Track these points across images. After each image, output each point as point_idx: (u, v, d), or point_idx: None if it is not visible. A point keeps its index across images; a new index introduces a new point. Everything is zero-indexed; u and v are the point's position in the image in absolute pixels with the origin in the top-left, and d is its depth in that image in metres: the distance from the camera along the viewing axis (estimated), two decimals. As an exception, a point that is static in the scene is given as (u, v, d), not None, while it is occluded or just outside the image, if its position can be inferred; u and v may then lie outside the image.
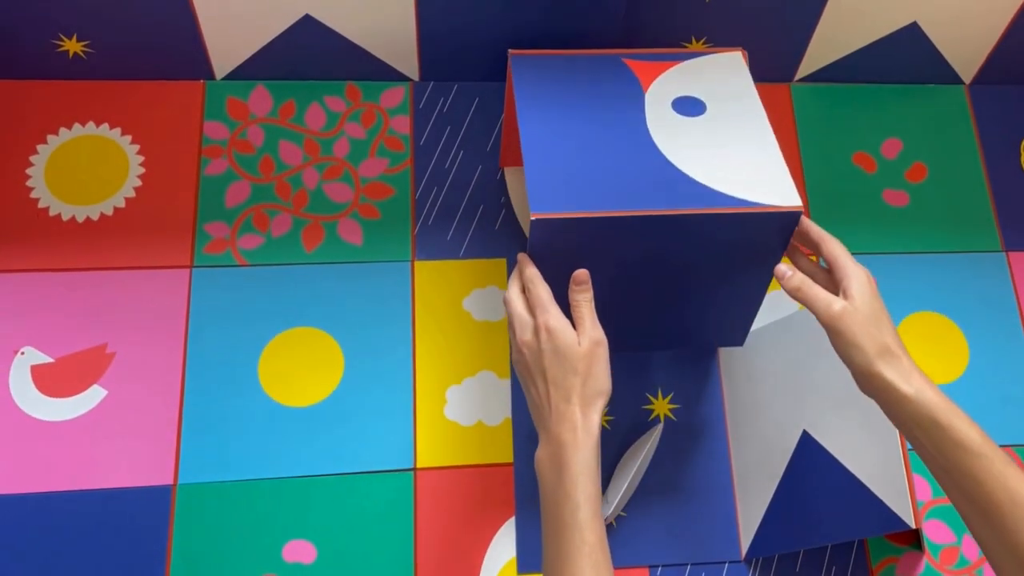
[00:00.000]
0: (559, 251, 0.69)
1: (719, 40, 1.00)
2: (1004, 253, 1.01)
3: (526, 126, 0.72)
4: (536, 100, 0.75)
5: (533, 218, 0.66)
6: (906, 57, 1.04)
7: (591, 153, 0.70)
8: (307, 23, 0.94)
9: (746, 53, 0.81)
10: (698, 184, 0.68)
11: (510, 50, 0.79)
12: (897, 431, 0.69)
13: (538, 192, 0.67)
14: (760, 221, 0.68)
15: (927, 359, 0.96)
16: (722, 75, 0.78)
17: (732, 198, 0.67)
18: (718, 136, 0.72)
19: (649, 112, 0.74)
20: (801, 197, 1.01)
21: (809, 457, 0.76)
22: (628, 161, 0.69)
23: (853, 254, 0.99)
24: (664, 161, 0.70)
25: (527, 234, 0.71)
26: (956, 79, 1.08)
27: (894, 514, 0.69)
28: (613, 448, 0.89)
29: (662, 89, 0.77)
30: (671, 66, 0.79)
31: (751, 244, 0.71)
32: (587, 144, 0.71)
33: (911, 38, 1.02)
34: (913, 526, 0.67)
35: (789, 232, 0.70)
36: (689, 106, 0.75)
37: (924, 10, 0.99)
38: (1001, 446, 0.91)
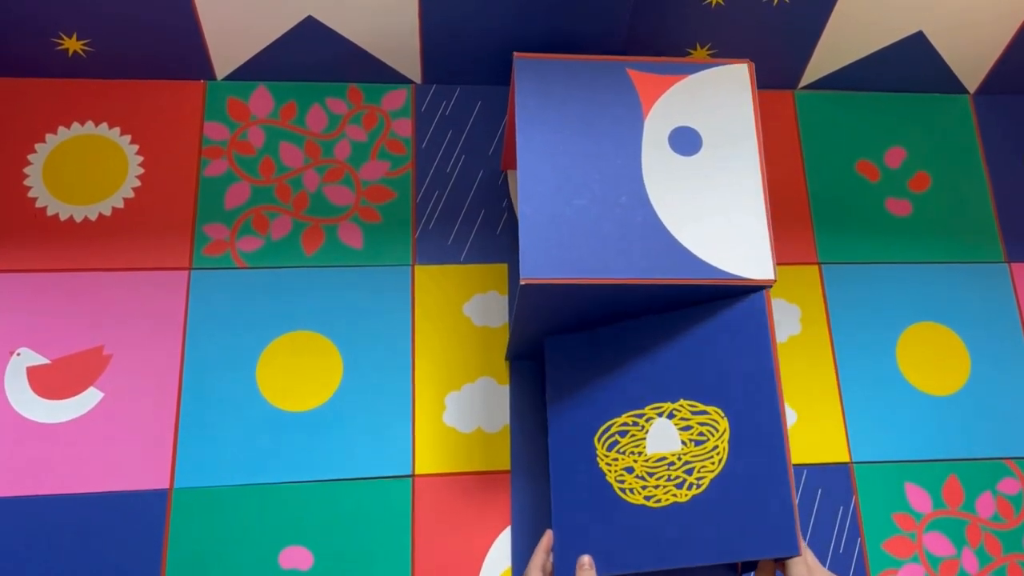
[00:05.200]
0: (545, 303, 0.76)
1: (724, 48, 0.99)
2: (1007, 264, 1.01)
3: (524, 154, 0.75)
4: (537, 121, 0.77)
5: (523, 283, 0.71)
6: (911, 66, 1.04)
7: (585, 201, 0.74)
8: (309, 24, 0.93)
9: (752, 65, 0.80)
10: (681, 249, 0.74)
11: (515, 53, 0.79)
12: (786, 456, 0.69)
13: (530, 254, 0.72)
14: (734, 289, 0.74)
15: (928, 371, 0.95)
16: (724, 98, 0.79)
17: (711, 267, 0.73)
18: (709, 187, 0.76)
19: (646, 147, 0.77)
20: (803, 204, 1.01)
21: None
22: (619, 217, 0.74)
23: (855, 263, 1.00)
24: (653, 217, 0.74)
25: None
26: (961, 89, 1.08)
27: (780, 535, 0.68)
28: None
29: (662, 116, 0.78)
30: (675, 82, 0.79)
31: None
32: (582, 185, 0.75)
33: (916, 47, 1.02)
34: (799, 553, 0.67)
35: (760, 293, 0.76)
36: (686, 141, 0.77)
37: (929, 19, 0.99)
38: (1002, 459, 0.92)
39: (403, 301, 0.93)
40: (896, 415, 0.93)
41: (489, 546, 0.85)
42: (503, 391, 0.91)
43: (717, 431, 0.73)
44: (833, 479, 0.90)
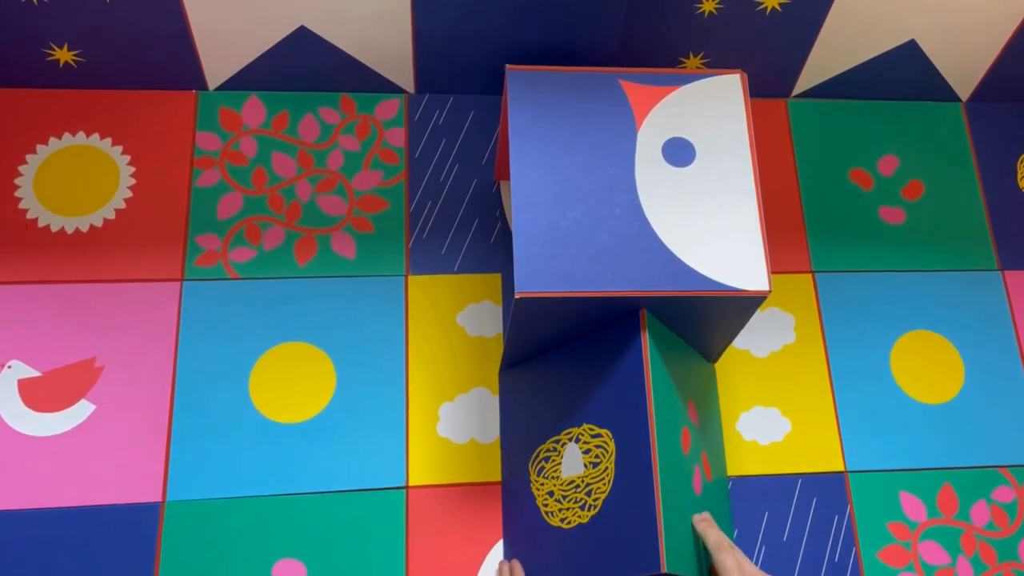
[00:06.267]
0: (540, 316, 0.76)
1: (717, 57, 0.99)
2: (1000, 272, 1.01)
3: (518, 167, 0.75)
4: (530, 133, 0.76)
5: (517, 296, 0.71)
6: (903, 74, 1.04)
7: (579, 213, 0.74)
8: (302, 34, 0.93)
9: (745, 76, 0.80)
10: (676, 260, 0.73)
11: (507, 65, 0.79)
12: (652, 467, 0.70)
13: (524, 268, 0.71)
14: (728, 301, 0.74)
15: (922, 379, 0.95)
16: (717, 108, 0.79)
17: (706, 279, 0.73)
18: (703, 198, 0.76)
19: (639, 159, 0.76)
20: (797, 213, 1.01)
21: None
22: (614, 229, 0.74)
23: (849, 271, 1.00)
24: (647, 229, 0.74)
25: None
26: (953, 96, 1.08)
27: (645, 552, 0.69)
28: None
29: (655, 127, 0.78)
30: (667, 93, 0.79)
31: (718, 311, 0.78)
32: (576, 198, 0.74)
33: (909, 55, 1.02)
34: (661, 570, 0.68)
35: (756, 306, 0.77)
36: (679, 153, 0.77)
37: (922, 28, 0.99)
38: (997, 467, 0.92)
39: (396, 311, 0.92)
40: (890, 424, 0.93)
41: (484, 557, 0.85)
42: (496, 401, 0.90)
43: (607, 452, 0.75)
44: (828, 488, 0.90)
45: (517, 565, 0.81)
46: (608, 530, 0.72)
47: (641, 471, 0.70)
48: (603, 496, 0.73)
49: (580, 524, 0.75)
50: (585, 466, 0.76)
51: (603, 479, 0.74)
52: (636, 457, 0.71)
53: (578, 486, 0.76)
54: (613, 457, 0.74)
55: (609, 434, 0.74)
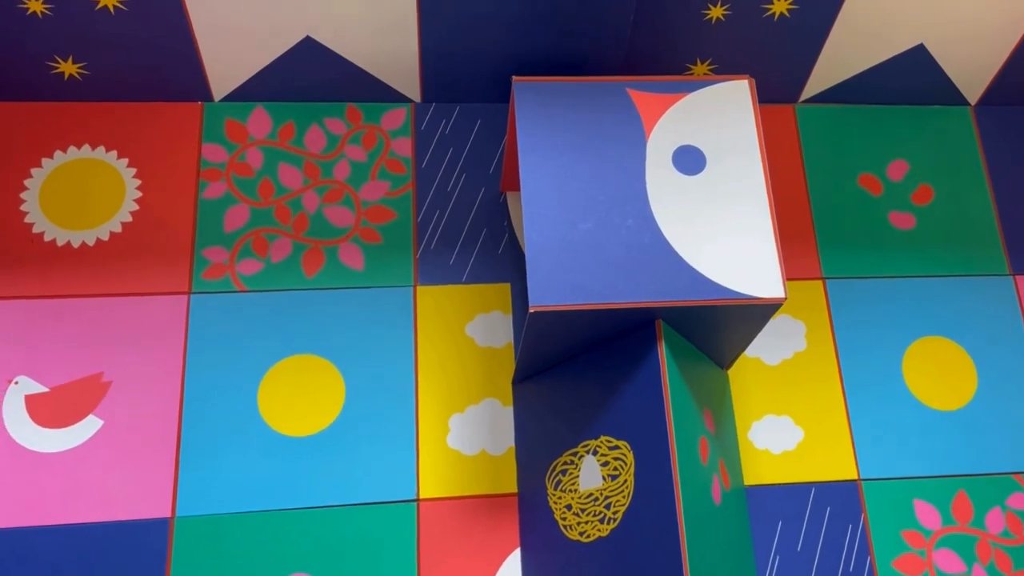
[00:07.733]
0: (555, 329, 0.75)
1: (724, 63, 0.99)
2: (1011, 276, 1.00)
3: (528, 179, 0.74)
4: (538, 145, 0.76)
5: (531, 311, 0.71)
6: (912, 78, 1.04)
7: (590, 224, 0.73)
8: (307, 44, 0.93)
9: (753, 81, 0.80)
10: (689, 269, 0.73)
11: (514, 76, 0.78)
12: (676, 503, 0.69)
13: (538, 281, 0.71)
14: (744, 309, 0.74)
15: (935, 385, 0.95)
16: (725, 115, 0.78)
17: (721, 287, 0.73)
18: (714, 205, 0.75)
19: (650, 167, 0.76)
20: (806, 219, 1.01)
21: None
22: (626, 239, 0.73)
23: (859, 278, 1.00)
24: (659, 238, 0.74)
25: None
26: (962, 100, 1.08)
27: (667, 568, 0.68)
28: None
29: (664, 135, 0.77)
30: (675, 100, 0.79)
31: (732, 319, 0.77)
32: (587, 209, 0.74)
33: (917, 60, 1.01)
34: None
35: (771, 314, 0.77)
36: (689, 160, 0.77)
37: (931, 32, 0.98)
38: (1011, 474, 0.91)
39: (405, 322, 0.92)
40: (903, 431, 0.93)
41: (497, 569, 0.84)
42: (507, 412, 0.90)
43: (626, 465, 0.74)
44: (841, 497, 0.89)
45: None
46: (629, 543, 0.72)
47: (661, 483, 0.70)
48: (623, 509, 0.73)
49: (600, 538, 0.74)
50: (603, 479, 0.76)
51: (622, 491, 0.73)
52: (656, 468, 0.71)
53: (597, 499, 0.76)
54: (632, 469, 0.73)
55: (627, 446, 0.74)
